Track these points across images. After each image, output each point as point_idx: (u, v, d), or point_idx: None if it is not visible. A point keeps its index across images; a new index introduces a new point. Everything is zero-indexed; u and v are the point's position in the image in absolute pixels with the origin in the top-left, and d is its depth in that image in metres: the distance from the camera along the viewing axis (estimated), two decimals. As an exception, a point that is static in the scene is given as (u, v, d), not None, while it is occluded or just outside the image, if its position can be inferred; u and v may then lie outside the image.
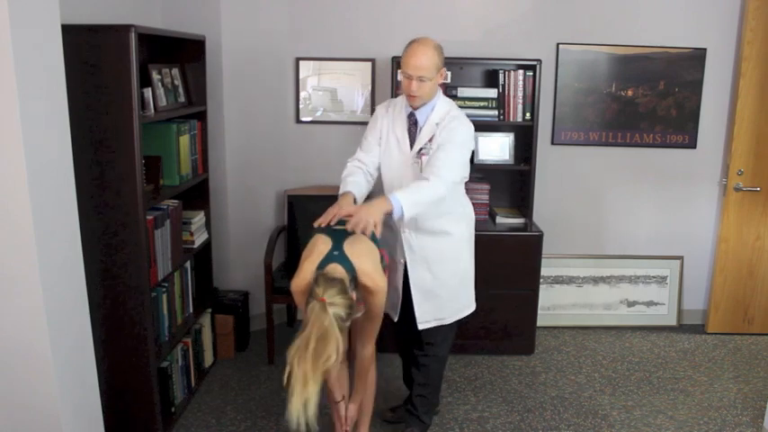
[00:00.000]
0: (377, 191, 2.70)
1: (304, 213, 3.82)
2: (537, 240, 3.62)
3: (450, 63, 3.56)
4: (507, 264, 3.61)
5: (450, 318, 2.73)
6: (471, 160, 2.64)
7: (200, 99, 3.30)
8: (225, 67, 3.64)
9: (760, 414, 3.17)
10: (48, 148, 2.10)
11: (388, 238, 2.67)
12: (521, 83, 3.65)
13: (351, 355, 2.57)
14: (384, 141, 2.66)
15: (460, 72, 3.84)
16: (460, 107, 2.70)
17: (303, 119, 3.97)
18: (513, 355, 3.75)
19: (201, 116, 3.28)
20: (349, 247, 2.22)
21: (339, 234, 2.27)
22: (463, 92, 3.67)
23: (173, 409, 3.00)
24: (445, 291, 2.68)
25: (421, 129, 2.58)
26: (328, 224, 2.29)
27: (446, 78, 3.68)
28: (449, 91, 3.59)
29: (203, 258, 3.43)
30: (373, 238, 2.31)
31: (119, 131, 2.47)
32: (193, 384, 3.27)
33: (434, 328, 2.72)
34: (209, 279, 3.48)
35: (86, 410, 2.37)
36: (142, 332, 2.66)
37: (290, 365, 1.95)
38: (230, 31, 3.63)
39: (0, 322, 2.09)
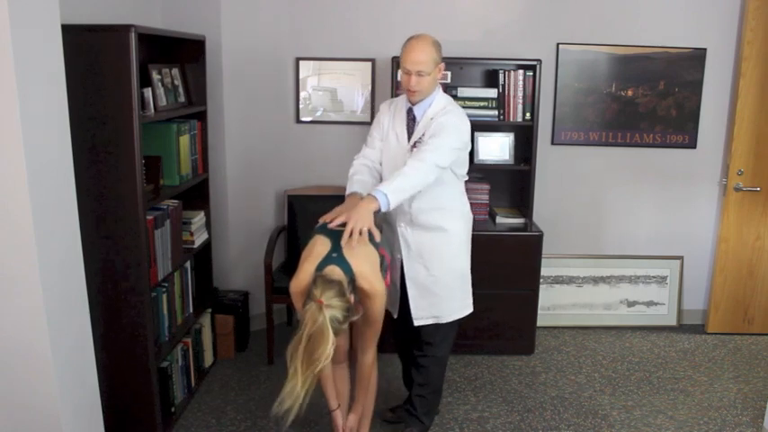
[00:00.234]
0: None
1: (304, 213, 3.82)
2: (537, 240, 3.62)
3: (450, 63, 3.57)
4: (507, 264, 3.62)
5: (446, 317, 2.72)
6: (471, 160, 2.64)
7: (200, 99, 3.30)
8: (225, 67, 3.64)
9: (760, 414, 3.17)
10: (48, 148, 2.10)
11: (388, 235, 2.68)
12: (521, 83, 3.65)
13: (353, 357, 2.57)
14: (385, 137, 2.70)
15: (460, 72, 3.84)
16: (461, 107, 2.70)
17: (303, 119, 3.97)
18: (513, 355, 3.75)
19: (201, 116, 3.28)
20: (348, 249, 2.22)
21: (338, 235, 2.26)
22: (463, 92, 3.67)
23: (173, 410, 2.99)
24: (441, 288, 2.67)
25: (418, 123, 2.61)
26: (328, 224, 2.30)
27: (446, 78, 3.70)
28: (449, 91, 3.58)
29: (203, 258, 3.43)
30: (372, 240, 2.31)
31: (119, 131, 2.47)
32: (193, 384, 3.27)
33: (433, 327, 2.72)
34: (209, 279, 3.48)
35: (86, 410, 2.37)
36: (142, 332, 2.66)
37: (288, 363, 1.97)
38: (230, 31, 3.63)
39: (0, 322, 2.09)
